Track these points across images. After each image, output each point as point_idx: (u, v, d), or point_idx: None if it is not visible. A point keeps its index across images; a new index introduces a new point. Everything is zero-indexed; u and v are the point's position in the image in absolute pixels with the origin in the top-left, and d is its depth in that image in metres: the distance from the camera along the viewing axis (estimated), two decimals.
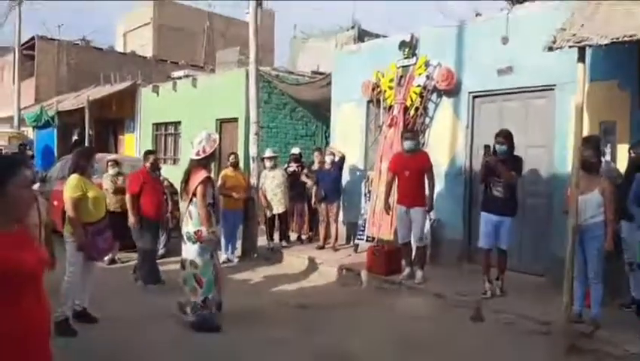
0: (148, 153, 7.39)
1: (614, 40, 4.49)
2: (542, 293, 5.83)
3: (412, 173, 6.58)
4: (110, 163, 8.07)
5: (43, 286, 2.17)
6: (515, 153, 5.95)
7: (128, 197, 6.67)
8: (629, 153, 5.42)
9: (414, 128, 7.55)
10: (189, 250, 5.01)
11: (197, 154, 5.03)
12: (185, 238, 5.05)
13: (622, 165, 5.60)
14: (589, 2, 5.24)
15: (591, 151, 4.94)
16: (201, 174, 4.95)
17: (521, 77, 6.68)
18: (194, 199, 4.95)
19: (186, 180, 5.11)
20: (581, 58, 4.74)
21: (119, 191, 7.78)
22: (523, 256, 6.55)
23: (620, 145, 5.81)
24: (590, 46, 4.69)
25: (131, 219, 6.56)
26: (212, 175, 5.38)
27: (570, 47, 4.72)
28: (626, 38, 4.46)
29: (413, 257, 6.78)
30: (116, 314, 5.38)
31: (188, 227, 5.01)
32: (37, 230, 3.73)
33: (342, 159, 8.55)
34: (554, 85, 6.38)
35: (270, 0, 23.35)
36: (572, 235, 4.68)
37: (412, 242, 6.72)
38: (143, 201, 6.59)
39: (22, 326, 1.99)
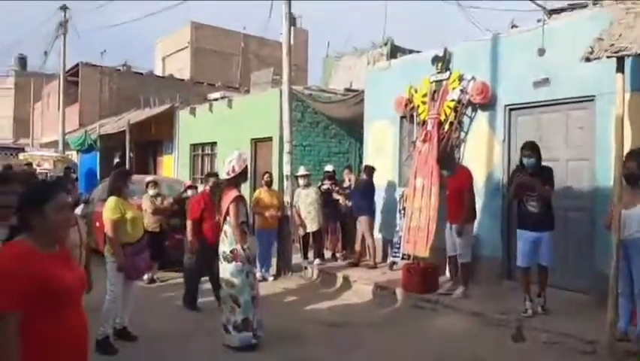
0: (209, 175, 7.42)
1: None
2: (586, 311, 5.60)
3: (451, 192, 6.72)
4: (149, 184, 8.28)
5: (81, 304, 2.25)
6: (549, 165, 5.89)
7: (188, 223, 6.71)
8: None
9: (447, 145, 7.52)
10: (226, 270, 5.06)
11: (227, 173, 5.11)
12: (221, 257, 5.11)
13: None
14: (627, 12, 5.11)
15: (634, 163, 4.77)
16: (232, 194, 5.01)
17: (559, 88, 6.53)
18: (227, 218, 5.01)
19: (219, 200, 5.19)
20: (620, 68, 4.63)
21: (157, 211, 7.99)
22: (566, 273, 6.31)
23: None
24: (628, 55, 4.55)
25: (191, 245, 6.64)
26: (245, 194, 5.43)
27: (608, 57, 4.60)
28: None
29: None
30: (155, 333, 5.48)
31: (225, 246, 5.07)
32: (78, 251, 3.87)
33: (370, 173, 8.57)
34: (594, 96, 6.20)
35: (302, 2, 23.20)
36: (616, 250, 4.51)
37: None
38: (204, 227, 6.57)
39: (61, 342, 2.06)
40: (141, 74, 24.23)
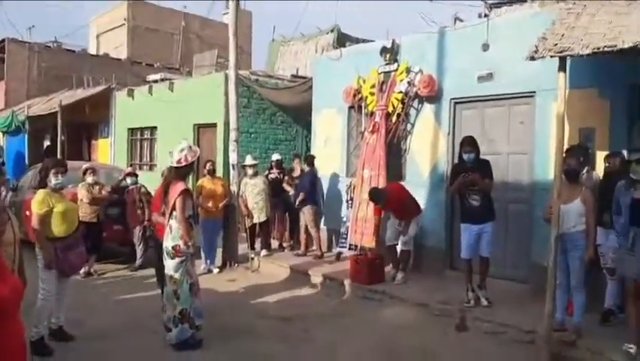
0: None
1: (595, 50, 4.52)
2: (524, 300, 5.85)
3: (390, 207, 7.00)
4: (87, 171, 7.81)
5: (18, 316, 2.12)
6: (492, 158, 6.12)
7: (154, 214, 6.32)
8: (605, 164, 5.49)
9: (395, 137, 7.63)
10: (169, 266, 4.88)
11: (179, 162, 4.91)
12: (165, 253, 4.92)
13: (600, 171, 5.66)
14: (569, 12, 5.27)
15: (574, 160, 4.96)
16: (179, 187, 4.84)
17: (502, 83, 6.70)
18: (174, 213, 4.82)
19: (165, 193, 4.98)
20: (562, 67, 4.78)
21: (95, 201, 7.57)
22: (506, 263, 6.56)
23: (599, 152, 5.86)
24: (571, 55, 4.71)
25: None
26: (190, 185, 5.27)
27: (552, 56, 4.74)
28: (606, 48, 4.48)
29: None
30: (94, 331, 5.22)
31: (168, 242, 4.87)
32: (12, 249, 3.57)
33: (311, 162, 8.59)
34: (534, 92, 6.41)
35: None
36: (554, 244, 4.69)
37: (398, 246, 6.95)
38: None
39: None
40: (74, 51, 22.84)
